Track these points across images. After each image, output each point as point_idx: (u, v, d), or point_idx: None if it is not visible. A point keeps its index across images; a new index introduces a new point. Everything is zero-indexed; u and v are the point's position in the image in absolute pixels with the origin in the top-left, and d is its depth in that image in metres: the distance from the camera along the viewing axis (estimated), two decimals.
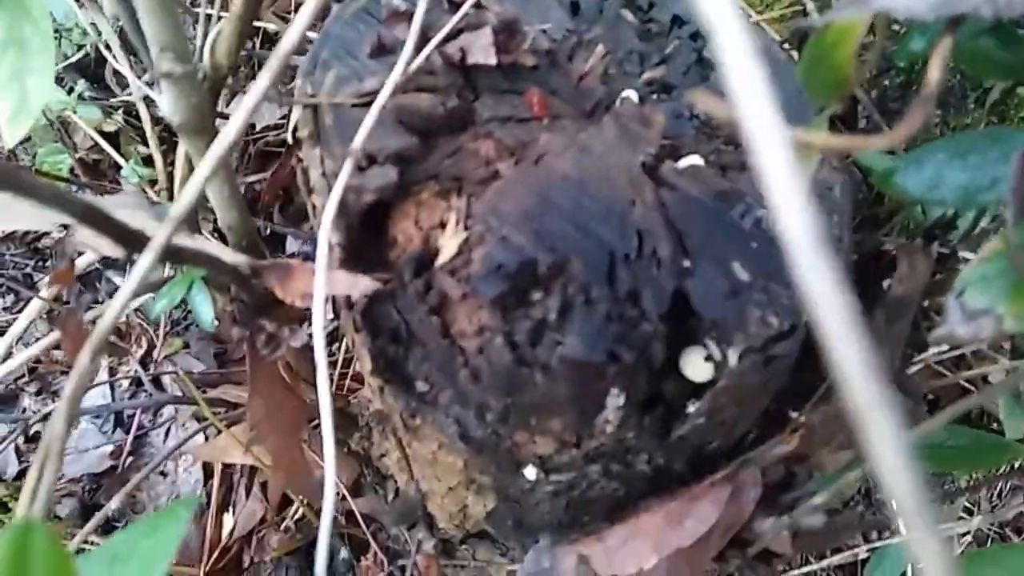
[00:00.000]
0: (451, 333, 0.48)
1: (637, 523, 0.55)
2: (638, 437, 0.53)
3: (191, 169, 0.48)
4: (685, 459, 0.57)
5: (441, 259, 0.48)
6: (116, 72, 1.36)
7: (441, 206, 0.49)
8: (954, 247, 0.55)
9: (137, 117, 1.33)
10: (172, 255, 0.36)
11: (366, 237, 0.49)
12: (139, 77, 1.08)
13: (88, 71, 1.44)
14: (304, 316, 0.55)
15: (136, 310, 1.37)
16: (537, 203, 0.46)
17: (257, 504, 1.09)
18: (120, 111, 1.32)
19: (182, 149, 0.48)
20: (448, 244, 0.48)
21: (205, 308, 0.49)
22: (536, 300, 0.44)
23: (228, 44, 0.41)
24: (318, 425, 0.89)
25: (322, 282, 0.36)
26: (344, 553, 1.12)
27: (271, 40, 1.12)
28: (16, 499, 1.07)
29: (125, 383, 1.31)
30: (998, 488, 0.99)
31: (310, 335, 0.53)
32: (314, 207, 0.47)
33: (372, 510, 1.10)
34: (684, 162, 0.52)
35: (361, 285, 0.41)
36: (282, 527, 1.04)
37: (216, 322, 0.53)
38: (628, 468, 0.56)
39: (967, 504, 0.99)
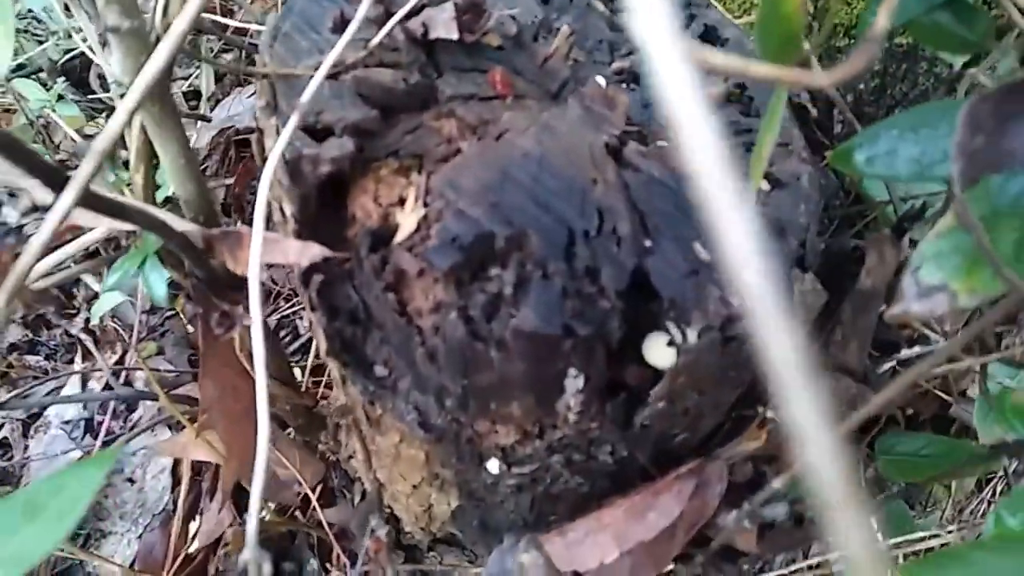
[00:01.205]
0: (408, 311, 0.47)
1: (599, 517, 0.54)
2: (600, 426, 0.52)
3: (146, 138, 0.47)
4: (650, 451, 0.55)
5: (399, 236, 0.47)
6: (100, 76, 1.36)
7: (400, 183, 0.48)
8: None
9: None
10: (114, 210, 0.35)
11: (324, 214, 0.48)
12: None
13: (73, 75, 1.44)
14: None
15: (112, 316, 1.36)
16: (496, 178, 0.45)
17: (227, 513, 1.06)
18: (104, 114, 1.32)
19: (137, 118, 0.47)
20: (407, 221, 0.47)
21: (158, 283, 0.48)
22: (493, 275, 0.43)
23: (181, 3, 0.41)
24: (285, 425, 0.87)
25: (258, 242, 0.35)
26: (313, 563, 1.09)
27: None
28: None
29: (98, 388, 1.29)
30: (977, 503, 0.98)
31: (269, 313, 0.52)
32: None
33: (341, 520, 1.08)
34: (656, 146, 0.51)
35: (311, 252, 0.40)
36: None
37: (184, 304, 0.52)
38: (591, 460, 0.54)
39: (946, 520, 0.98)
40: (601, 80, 0.54)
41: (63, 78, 1.31)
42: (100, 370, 1.30)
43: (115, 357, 1.32)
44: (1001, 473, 1.17)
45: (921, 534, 0.75)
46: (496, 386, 0.47)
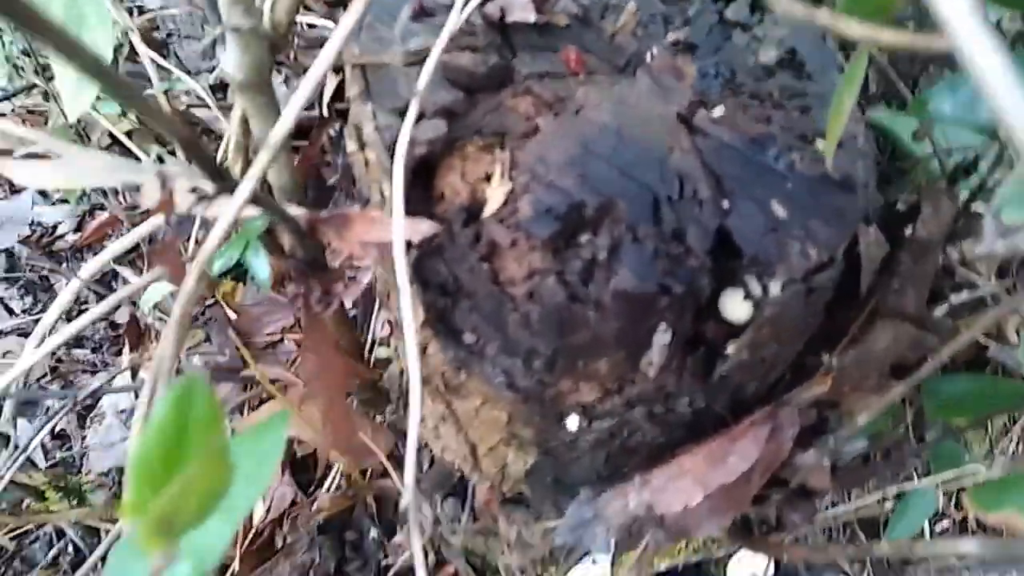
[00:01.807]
0: (500, 280, 0.50)
1: (680, 464, 0.57)
2: (678, 380, 0.55)
3: (246, 129, 0.50)
4: (724, 403, 0.59)
5: (488, 209, 0.50)
6: (132, 73, 1.38)
7: (485, 159, 0.51)
8: (975, 191, 0.57)
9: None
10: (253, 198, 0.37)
11: (414, 193, 0.51)
12: (158, 77, 1.10)
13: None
14: (347, 278, 0.57)
15: (155, 306, 1.39)
16: (579, 151, 0.48)
17: (287, 488, 1.11)
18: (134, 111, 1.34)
19: (237, 110, 0.50)
20: (494, 195, 0.50)
21: (261, 266, 0.51)
22: (585, 242, 0.46)
23: (287, 2, 0.43)
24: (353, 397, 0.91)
25: (400, 216, 0.38)
26: (374, 532, 1.14)
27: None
28: (52, 486, 1.08)
29: (150, 380, 1.33)
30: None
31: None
32: (367, 162, 0.49)
33: (398, 492, 1.12)
34: (714, 114, 0.54)
35: (421, 228, 0.43)
36: (315, 506, 1.06)
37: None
38: (670, 412, 0.58)
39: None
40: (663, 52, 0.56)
41: None
42: (151, 360, 1.33)
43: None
44: None
45: (971, 469, 0.79)
46: (588, 345, 0.50)
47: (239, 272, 1.45)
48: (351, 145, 0.52)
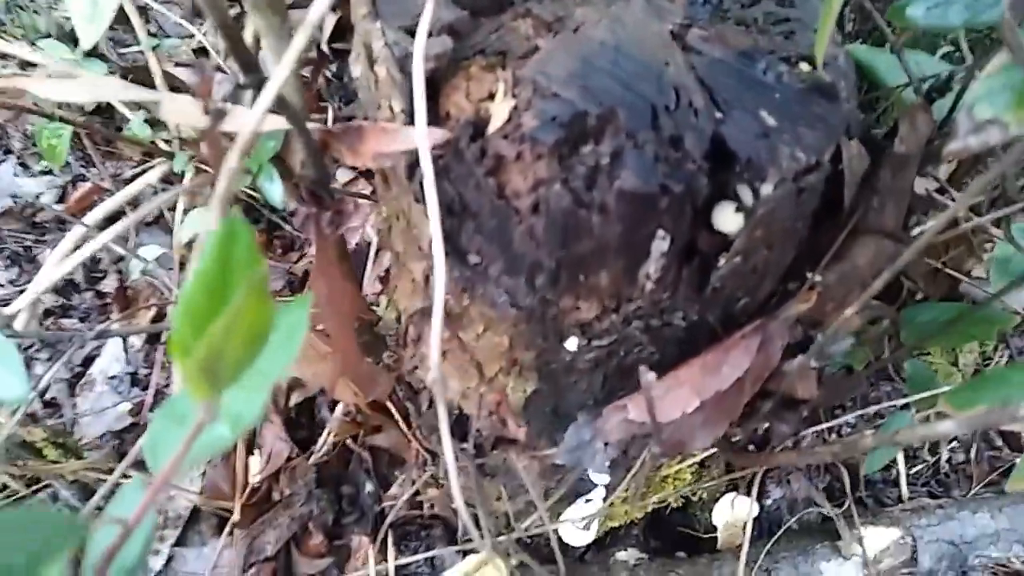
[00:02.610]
0: (506, 194, 0.52)
1: (676, 376, 0.60)
2: (673, 295, 0.58)
3: (258, 48, 0.52)
4: (716, 316, 0.61)
5: (492, 126, 0.52)
6: (111, 39, 1.38)
7: (489, 78, 0.53)
8: (950, 109, 0.61)
9: (133, 80, 1.34)
10: (278, 104, 0.39)
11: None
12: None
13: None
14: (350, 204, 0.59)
15: (143, 272, 1.39)
16: (580, 65, 0.50)
17: (283, 443, 1.12)
18: (115, 75, 1.33)
19: (250, 30, 0.51)
20: (498, 112, 0.52)
21: (275, 188, 0.52)
22: (588, 150, 0.49)
23: None
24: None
25: (422, 105, 0.40)
26: (369, 486, 1.16)
27: None
28: (50, 443, 1.09)
29: (138, 343, 1.33)
30: None
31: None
32: (376, 80, 0.50)
33: (391, 444, 1.14)
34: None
35: (436, 135, 0.44)
36: (312, 459, 1.07)
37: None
38: (665, 326, 0.61)
39: None
40: None
41: (74, 44, 1.32)
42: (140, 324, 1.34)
43: (151, 314, 1.36)
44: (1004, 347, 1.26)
45: (943, 389, 0.83)
46: (591, 254, 0.53)
47: None
48: (356, 69, 0.54)
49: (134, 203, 1.36)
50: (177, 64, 1.14)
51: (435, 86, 0.53)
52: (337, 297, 0.57)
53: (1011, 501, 1.31)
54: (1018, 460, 1.37)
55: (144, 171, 1.31)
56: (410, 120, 0.50)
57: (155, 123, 1.20)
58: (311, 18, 0.35)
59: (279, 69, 0.32)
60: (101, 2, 0.48)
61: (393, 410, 0.83)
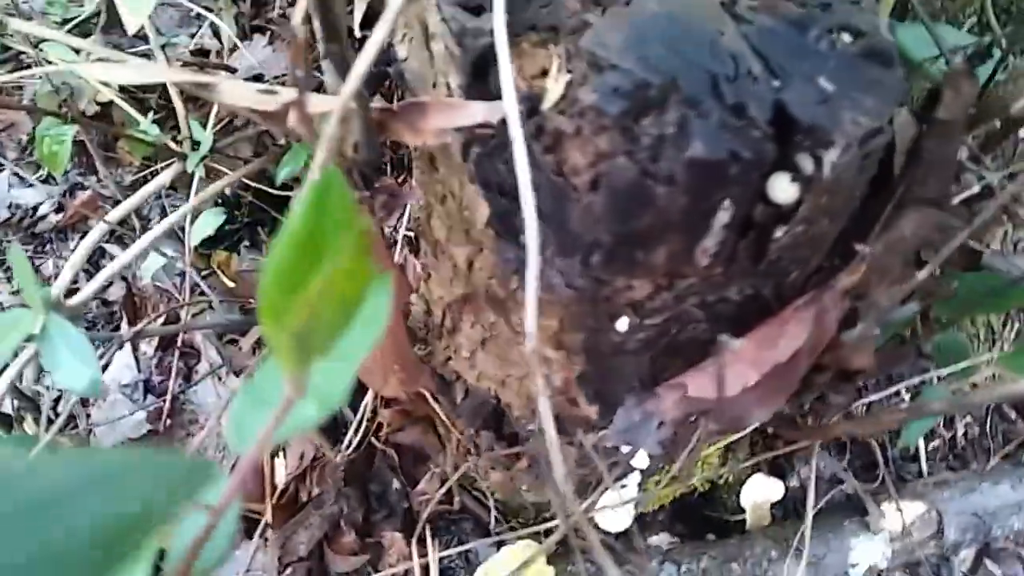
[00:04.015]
0: (563, 171, 0.52)
1: (731, 351, 0.60)
2: (729, 269, 0.57)
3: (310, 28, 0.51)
4: (770, 290, 0.61)
5: (547, 102, 0.51)
6: (108, 42, 1.35)
7: (541, 54, 0.52)
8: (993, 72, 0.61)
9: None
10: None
11: (474, 92, 0.52)
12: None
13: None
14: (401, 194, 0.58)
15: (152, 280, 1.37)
16: (635, 37, 0.50)
17: (309, 444, 1.11)
18: None
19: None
20: (553, 88, 0.51)
21: None
22: (651, 122, 0.48)
23: None
24: None
25: (507, 68, 0.39)
26: (396, 484, 1.15)
27: None
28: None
29: (149, 351, 1.31)
30: None
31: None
32: (431, 56, 0.50)
33: (414, 441, 1.13)
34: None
35: (497, 108, 0.44)
36: (339, 458, 1.06)
37: None
38: (720, 302, 0.60)
39: None
40: None
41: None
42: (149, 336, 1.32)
43: (160, 321, 1.34)
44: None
45: (975, 361, 0.83)
46: (651, 230, 0.52)
47: (231, 243, 1.44)
48: (402, 50, 0.53)
49: (138, 212, 1.34)
50: (184, 64, 1.12)
51: (486, 64, 0.52)
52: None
53: None
54: None
55: (149, 176, 1.29)
56: (468, 96, 0.49)
57: (161, 124, 1.18)
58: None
59: (370, 44, 0.31)
60: None
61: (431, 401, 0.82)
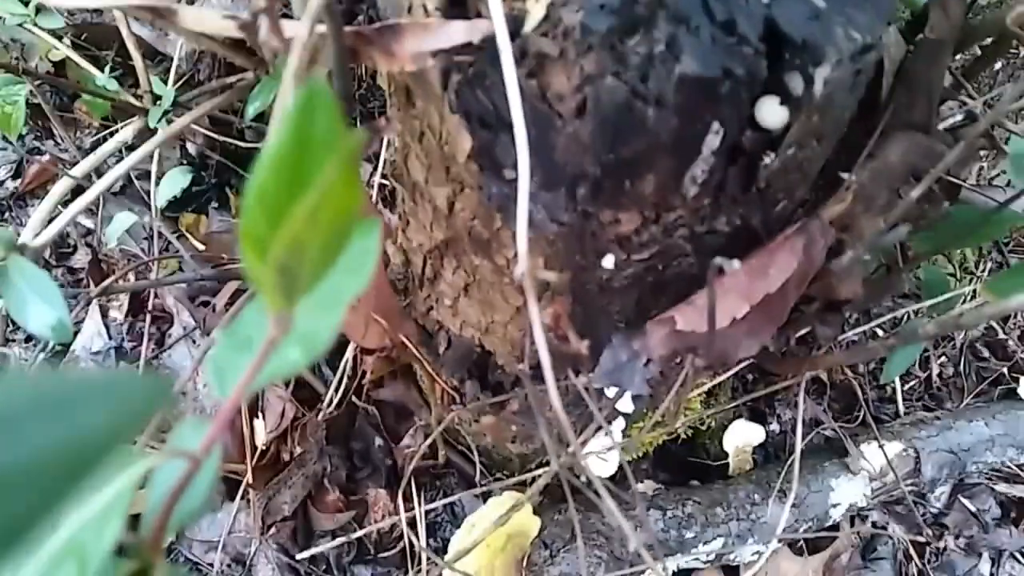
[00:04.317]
0: (547, 97, 0.50)
1: (721, 283, 0.59)
2: (718, 198, 0.56)
3: None
4: (758, 220, 0.60)
5: (529, 25, 0.49)
6: None
7: None
8: None
9: (86, 40, 1.27)
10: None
11: (452, 14, 0.50)
12: None
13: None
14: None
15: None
16: None
17: (288, 404, 1.09)
18: (68, 35, 1.26)
19: None
20: (535, 9, 0.49)
21: None
22: (639, 40, 0.46)
23: None
24: None
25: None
26: (379, 440, 1.14)
27: None
28: None
29: (120, 316, 1.28)
30: None
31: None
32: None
33: (396, 396, 1.12)
34: None
35: (479, 28, 0.42)
36: (320, 416, 1.05)
37: None
38: (709, 233, 0.59)
39: None
40: None
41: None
42: (117, 301, 1.28)
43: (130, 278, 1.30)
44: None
45: (959, 292, 0.84)
46: (640, 156, 0.51)
47: (199, 205, 1.40)
48: None
49: (99, 172, 1.29)
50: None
51: None
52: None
53: (1003, 408, 1.35)
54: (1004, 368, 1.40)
55: (109, 136, 1.24)
56: (447, 17, 0.47)
57: (120, 82, 1.13)
58: None
59: None
60: None
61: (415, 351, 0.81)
